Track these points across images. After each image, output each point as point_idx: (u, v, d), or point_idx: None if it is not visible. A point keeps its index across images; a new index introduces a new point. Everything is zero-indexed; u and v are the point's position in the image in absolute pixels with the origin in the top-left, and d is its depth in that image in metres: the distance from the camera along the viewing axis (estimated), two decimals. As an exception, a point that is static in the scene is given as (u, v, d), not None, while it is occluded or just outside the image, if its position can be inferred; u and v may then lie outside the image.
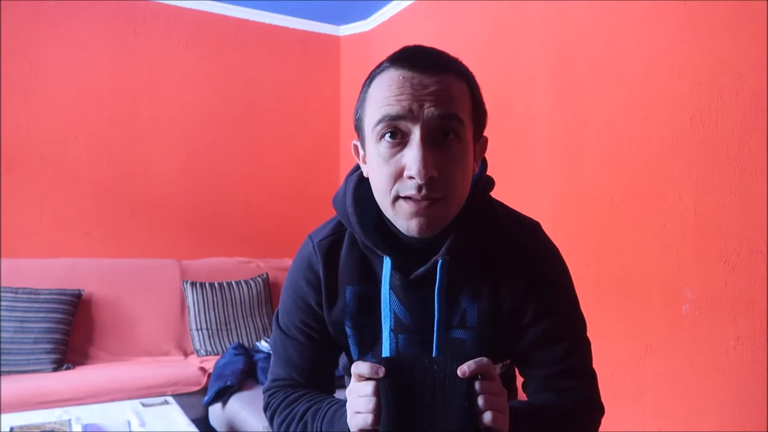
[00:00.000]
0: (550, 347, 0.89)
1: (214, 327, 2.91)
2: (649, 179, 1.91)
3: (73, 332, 2.66)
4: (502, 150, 2.46)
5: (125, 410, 2.01)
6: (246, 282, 3.10)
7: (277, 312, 1.01)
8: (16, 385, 2.23)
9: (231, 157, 3.46)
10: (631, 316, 1.95)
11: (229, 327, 2.94)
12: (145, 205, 3.22)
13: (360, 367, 0.73)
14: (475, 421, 0.70)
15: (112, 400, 2.24)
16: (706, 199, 1.73)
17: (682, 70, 1.80)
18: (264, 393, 1.02)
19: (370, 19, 3.62)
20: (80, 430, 1.78)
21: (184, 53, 3.34)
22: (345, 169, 3.72)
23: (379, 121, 0.78)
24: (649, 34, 1.91)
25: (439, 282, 0.84)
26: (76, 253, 3.01)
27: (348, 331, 0.93)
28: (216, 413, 2.44)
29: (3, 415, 1.91)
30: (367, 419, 0.71)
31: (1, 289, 2.57)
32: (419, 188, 0.76)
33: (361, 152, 0.88)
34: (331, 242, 0.93)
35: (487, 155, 0.92)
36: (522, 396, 0.99)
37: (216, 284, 3.03)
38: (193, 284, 2.99)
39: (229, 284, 3.06)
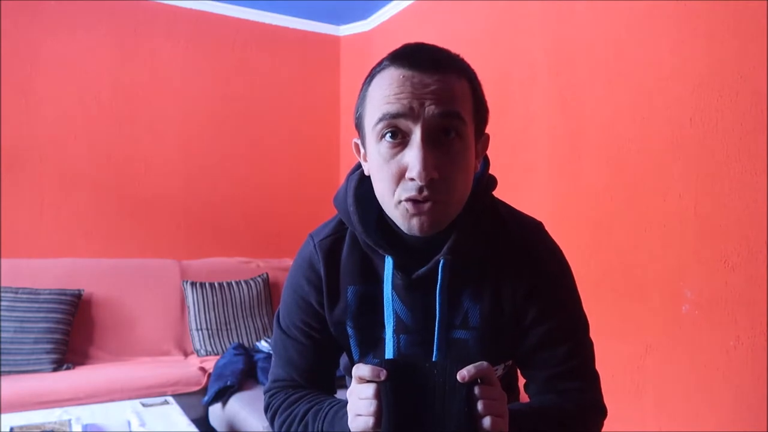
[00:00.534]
0: (552, 348, 0.89)
1: (214, 327, 2.91)
2: (649, 179, 1.91)
3: (73, 332, 2.65)
4: (502, 150, 2.46)
5: (125, 410, 2.01)
6: (246, 282, 3.10)
7: (278, 312, 1.00)
8: (16, 385, 2.23)
9: (231, 157, 3.45)
10: (631, 316, 1.95)
11: (229, 327, 2.94)
12: (145, 205, 3.22)
13: (361, 370, 0.72)
14: (474, 425, 0.70)
15: (112, 400, 2.24)
16: (706, 199, 1.73)
17: (682, 70, 1.80)
18: (265, 394, 1.01)
19: (370, 19, 3.62)
20: (80, 430, 1.78)
21: (184, 53, 3.34)
22: (345, 169, 3.71)
23: (380, 120, 0.77)
24: (649, 34, 1.91)
25: (441, 282, 0.83)
26: (76, 253, 3.01)
27: (349, 331, 0.92)
28: (216, 413, 2.43)
29: (3, 415, 1.91)
30: (368, 422, 0.71)
31: (1, 289, 2.57)
32: (420, 190, 0.76)
33: (362, 150, 0.87)
34: (333, 241, 0.93)
35: (486, 155, 0.91)
36: (524, 397, 0.98)
37: (216, 284, 3.03)
38: (193, 284, 2.99)
39: (229, 284, 3.06)
